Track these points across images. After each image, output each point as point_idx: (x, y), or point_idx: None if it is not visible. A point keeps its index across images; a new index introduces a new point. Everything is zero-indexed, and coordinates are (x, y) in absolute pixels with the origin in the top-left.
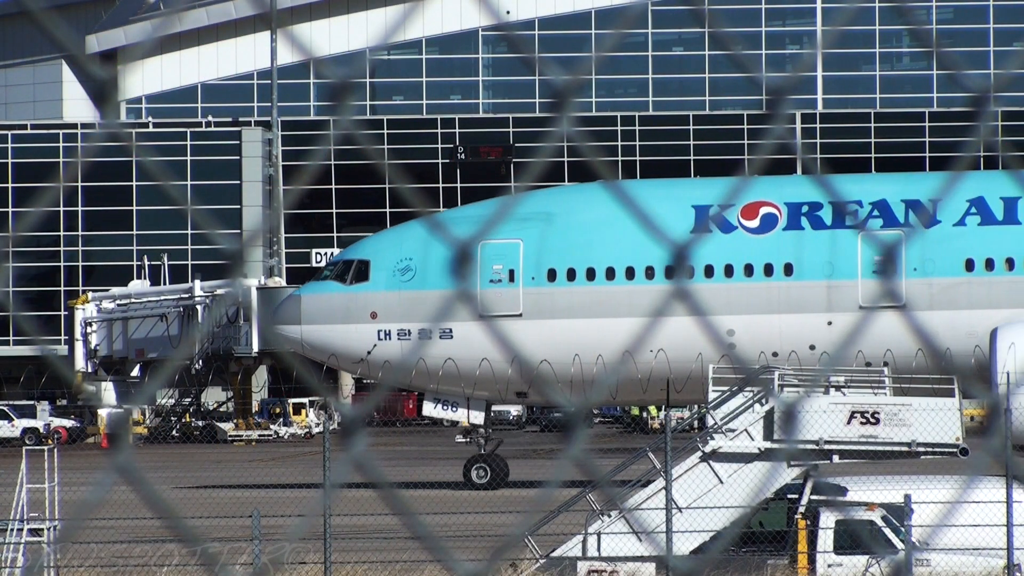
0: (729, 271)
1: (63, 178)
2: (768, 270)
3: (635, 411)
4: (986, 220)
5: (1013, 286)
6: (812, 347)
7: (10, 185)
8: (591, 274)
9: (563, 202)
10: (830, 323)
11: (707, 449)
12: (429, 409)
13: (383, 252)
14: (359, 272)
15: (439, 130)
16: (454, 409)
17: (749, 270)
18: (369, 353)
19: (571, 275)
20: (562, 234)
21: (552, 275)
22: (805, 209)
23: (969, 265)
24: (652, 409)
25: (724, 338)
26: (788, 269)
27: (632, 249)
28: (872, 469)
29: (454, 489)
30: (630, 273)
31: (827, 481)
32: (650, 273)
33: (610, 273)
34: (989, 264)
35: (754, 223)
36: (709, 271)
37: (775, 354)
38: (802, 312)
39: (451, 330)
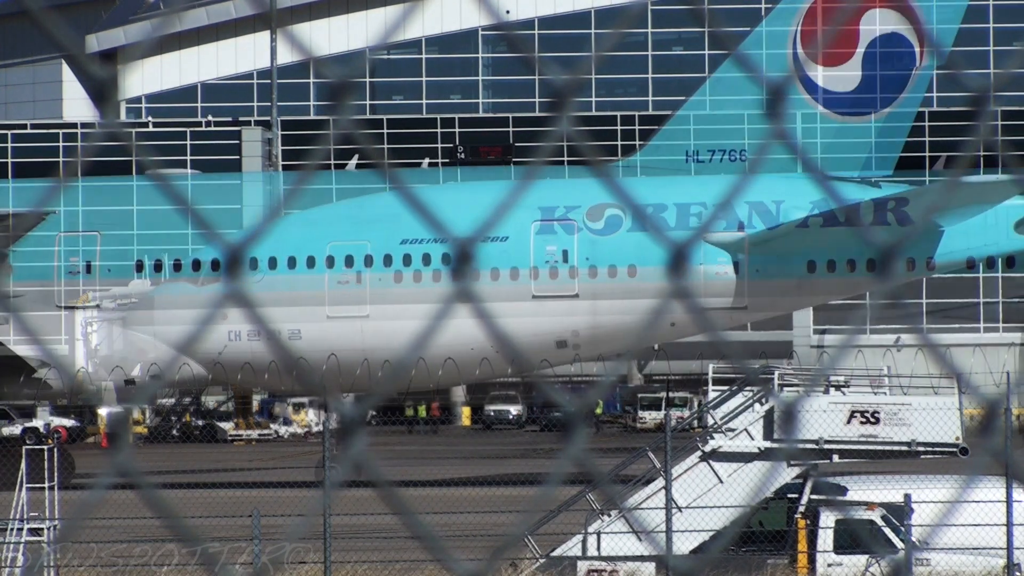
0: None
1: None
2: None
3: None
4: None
5: None
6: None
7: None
8: (438, 276)
9: None
10: (673, 324)
11: (707, 448)
12: (279, 408)
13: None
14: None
15: (439, 130)
16: (302, 407)
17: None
18: (220, 354)
19: (417, 278)
20: (408, 235)
21: (399, 277)
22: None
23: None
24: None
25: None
26: (633, 271)
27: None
28: (872, 469)
29: (454, 488)
30: None
31: (827, 481)
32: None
33: None
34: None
35: (599, 225)
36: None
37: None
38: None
39: (300, 331)
